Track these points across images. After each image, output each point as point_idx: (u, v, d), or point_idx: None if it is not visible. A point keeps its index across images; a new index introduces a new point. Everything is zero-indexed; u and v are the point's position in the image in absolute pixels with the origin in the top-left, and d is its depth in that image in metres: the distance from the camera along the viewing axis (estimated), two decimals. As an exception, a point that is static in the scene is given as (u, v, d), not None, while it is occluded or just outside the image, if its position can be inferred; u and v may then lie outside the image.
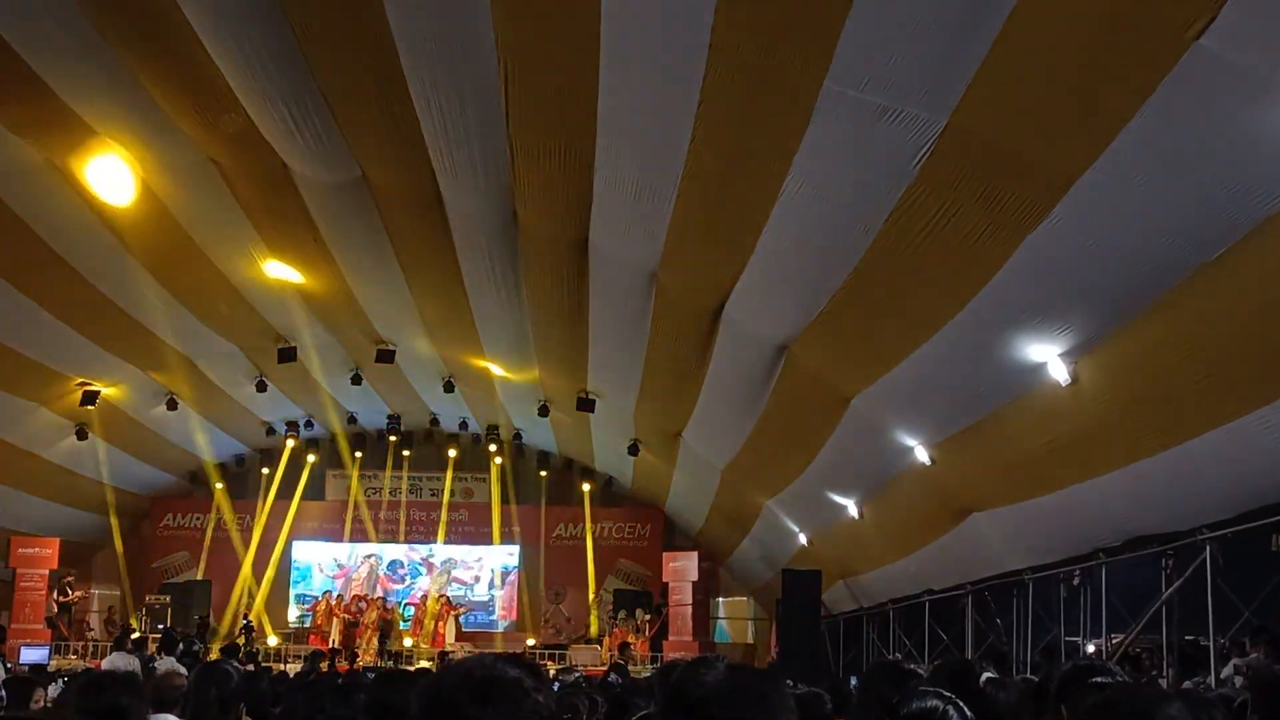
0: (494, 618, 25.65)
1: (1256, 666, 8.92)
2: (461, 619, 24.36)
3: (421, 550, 25.87)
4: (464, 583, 25.75)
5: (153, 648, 15.75)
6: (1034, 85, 6.30)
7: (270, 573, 24.45)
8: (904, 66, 6.63)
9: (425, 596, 24.80)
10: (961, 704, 2.53)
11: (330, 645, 21.49)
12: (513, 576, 25.86)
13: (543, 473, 25.74)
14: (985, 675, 3.71)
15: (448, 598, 24.60)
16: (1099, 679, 3.26)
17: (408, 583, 25.55)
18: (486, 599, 25.78)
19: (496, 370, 18.29)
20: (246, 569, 24.13)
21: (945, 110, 6.73)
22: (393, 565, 25.74)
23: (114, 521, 22.44)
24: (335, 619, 23.35)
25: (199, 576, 24.74)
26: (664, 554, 24.60)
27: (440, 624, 23.94)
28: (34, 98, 10.20)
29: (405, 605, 24.89)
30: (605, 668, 13.26)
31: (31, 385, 16.44)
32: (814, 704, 4.11)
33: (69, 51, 9.60)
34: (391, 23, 8.23)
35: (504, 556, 25.95)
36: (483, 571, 25.93)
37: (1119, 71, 5.81)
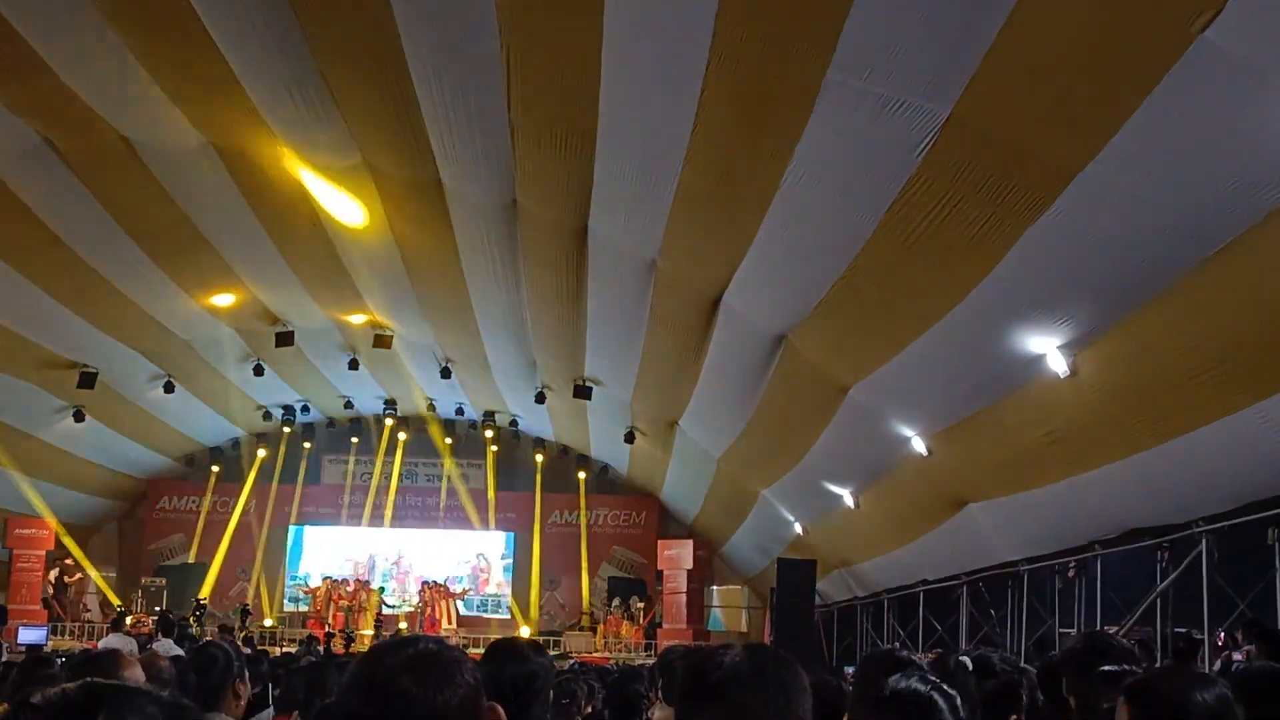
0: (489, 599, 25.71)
1: (1251, 663, 8.92)
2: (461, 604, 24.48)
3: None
4: (479, 570, 25.78)
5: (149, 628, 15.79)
6: (1038, 77, 6.29)
7: (262, 555, 24.57)
8: (907, 57, 6.62)
9: (426, 583, 24.79)
10: (948, 689, 2.48)
11: (326, 630, 21.50)
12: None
13: (539, 458, 25.74)
14: (960, 658, 3.65)
15: (443, 584, 24.63)
16: (1108, 667, 3.22)
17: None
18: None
19: (492, 353, 18.25)
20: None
21: (948, 101, 6.72)
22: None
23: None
24: (334, 605, 23.50)
25: (194, 559, 24.77)
26: (659, 542, 24.66)
27: (435, 609, 23.98)
28: (35, 77, 10.14)
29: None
30: (600, 654, 13.29)
31: (29, 367, 16.42)
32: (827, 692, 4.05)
33: (68, 29, 9.55)
34: (394, 6, 8.20)
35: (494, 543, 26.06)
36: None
37: (1124, 64, 5.81)
